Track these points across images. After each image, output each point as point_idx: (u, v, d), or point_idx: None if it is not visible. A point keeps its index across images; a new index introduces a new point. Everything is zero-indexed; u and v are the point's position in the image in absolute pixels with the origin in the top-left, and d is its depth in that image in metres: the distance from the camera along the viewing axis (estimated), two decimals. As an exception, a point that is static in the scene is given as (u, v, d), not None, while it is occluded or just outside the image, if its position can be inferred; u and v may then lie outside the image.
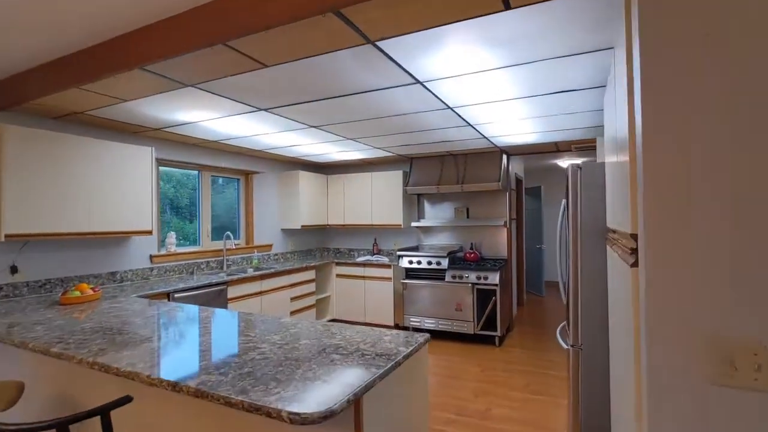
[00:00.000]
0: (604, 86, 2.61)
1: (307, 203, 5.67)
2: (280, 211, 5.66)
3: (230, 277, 4.03)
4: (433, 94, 2.74)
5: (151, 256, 3.93)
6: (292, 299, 4.86)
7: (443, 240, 5.65)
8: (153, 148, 3.61)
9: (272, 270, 4.59)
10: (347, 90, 2.66)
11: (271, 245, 5.44)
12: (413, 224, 5.62)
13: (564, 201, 2.88)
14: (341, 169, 6.43)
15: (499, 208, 5.29)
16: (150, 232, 3.59)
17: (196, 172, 4.70)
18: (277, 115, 3.20)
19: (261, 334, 2.00)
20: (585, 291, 2.47)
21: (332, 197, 6.05)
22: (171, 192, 4.47)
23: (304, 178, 5.63)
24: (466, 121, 3.50)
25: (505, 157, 5.05)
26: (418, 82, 2.50)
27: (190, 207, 4.67)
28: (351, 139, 4.22)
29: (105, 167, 3.25)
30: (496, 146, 4.74)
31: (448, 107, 3.06)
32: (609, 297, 2.33)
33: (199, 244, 4.71)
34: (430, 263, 4.94)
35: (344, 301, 5.58)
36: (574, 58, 2.18)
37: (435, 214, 5.69)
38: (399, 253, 5.17)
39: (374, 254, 5.91)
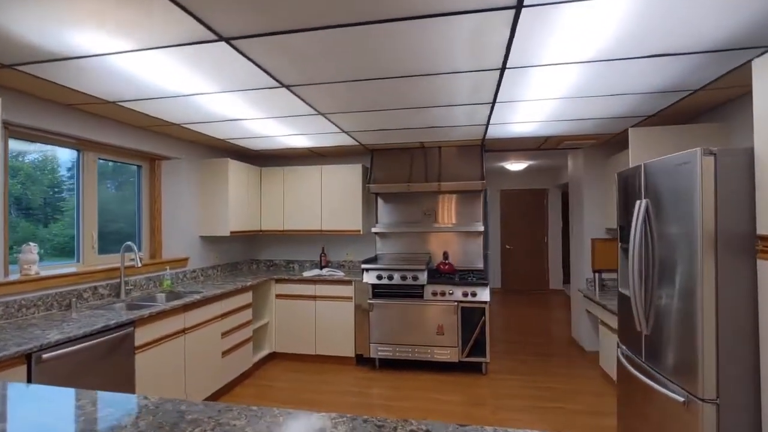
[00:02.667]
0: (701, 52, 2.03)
1: (238, 203, 4.31)
2: (201, 212, 4.20)
3: (138, 313, 2.60)
4: (505, 44, 1.87)
5: (-11, 286, 2.32)
6: (224, 334, 3.51)
7: (405, 248, 4.79)
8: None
9: (198, 296, 3.21)
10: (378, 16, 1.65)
11: (187, 259, 3.96)
12: (374, 230, 4.65)
13: (643, 202, 2.25)
14: (280, 161, 5.16)
15: (474, 212, 4.62)
16: (-11, 246, 2.04)
17: (72, 152, 3.09)
18: (239, 53, 1.99)
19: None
20: (724, 323, 1.82)
21: (268, 196, 4.76)
22: (18, 190, 2.79)
23: (235, 169, 4.27)
24: (494, 96, 2.70)
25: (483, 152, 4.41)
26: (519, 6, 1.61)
27: (46, 207, 3.02)
28: (321, 114, 3.11)
29: None
30: (478, 138, 4.05)
31: (501, 68, 2.22)
32: (761, 331, 1.71)
33: (78, 261, 3.11)
34: (404, 278, 4.03)
35: (287, 329, 4.35)
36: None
37: (397, 218, 4.80)
38: (364, 266, 4.16)
39: (322, 267, 4.79)
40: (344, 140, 4.04)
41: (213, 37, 1.80)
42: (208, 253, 4.33)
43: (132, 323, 2.53)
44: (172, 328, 2.88)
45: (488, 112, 3.06)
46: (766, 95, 1.72)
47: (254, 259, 5.19)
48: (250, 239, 5.18)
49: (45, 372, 2.01)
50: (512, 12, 1.63)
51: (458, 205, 4.66)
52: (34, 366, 1.96)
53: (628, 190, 2.51)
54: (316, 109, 2.96)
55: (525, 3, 1.55)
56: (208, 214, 4.17)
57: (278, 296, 4.37)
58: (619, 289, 2.68)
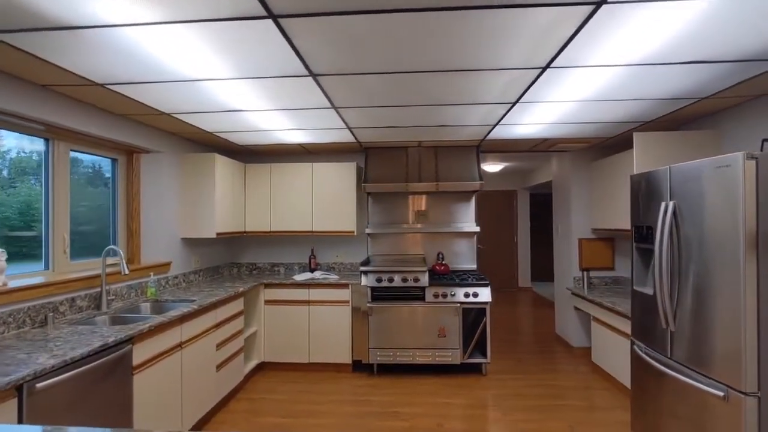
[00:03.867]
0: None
1: (225, 202, 3.98)
2: (183, 212, 3.82)
3: (136, 328, 2.27)
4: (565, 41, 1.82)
5: (-48, 301, 1.91)
6: (219, 346, 3.20)
7: (397, 249, 4.69)
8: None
9: (194, 306, 2.89)
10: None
11: (169, 264, 3.58)
12: (367, 231, 4.50)
13: (670, 204, 2.31)
14: (266, 157, 4.84)
15: (467, 212, 4.62)
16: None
17: (39, 141, 2.66)
18: (282, 33, 1.78)
19: None
20: (764, 319, 1.90)
21: (253, 194, 4.44)
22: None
23: (222, 165, 3.93)
24: (519, 97, 2.68)
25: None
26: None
27: None
28: (333, 108, 2.92)
29: None
30: (477, 139, 4.04)
31: (543, 68, 2.18)
32: (803, 326, 1.79)
33: (47, 268, 2.68)
34: (405, 280, 3.92)
35: (278, 337, 4.08)
36: None
37: (389, 219, 4.68)
38: (362, 268, 3.99)
39: (312, 270, 4.55)
40: (343, 137, 3.86)
41: (263, 13, 1.59)
42: (189, 257, 3.95)
43: (130, 340, 2.21)
44: (169, 342, 2.56)
45: (504, 112, 3.03)
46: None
47: (235, 262, 4.83)
48: (230, 241, 4.82)
49: (38, 405, 1.67)
50: (591, 8, 1.58)
51: (451, 205, 4.63)
52: (26, 399, 1.62)
53: (648, 192, 2.58)
54: (331, 103, 2.77)
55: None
56: (191, 214, 3.80)
57: (268, 302, 4.09)
58: (635, 288, 2.75)
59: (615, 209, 3.95)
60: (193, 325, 2.83)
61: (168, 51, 1.92)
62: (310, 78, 2.31)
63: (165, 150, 3.56)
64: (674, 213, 2.32)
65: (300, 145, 4.24)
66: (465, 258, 4.62)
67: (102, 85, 2.38)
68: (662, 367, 2.41)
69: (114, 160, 3.29)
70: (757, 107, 2.77)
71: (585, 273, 4.33)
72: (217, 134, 3.71)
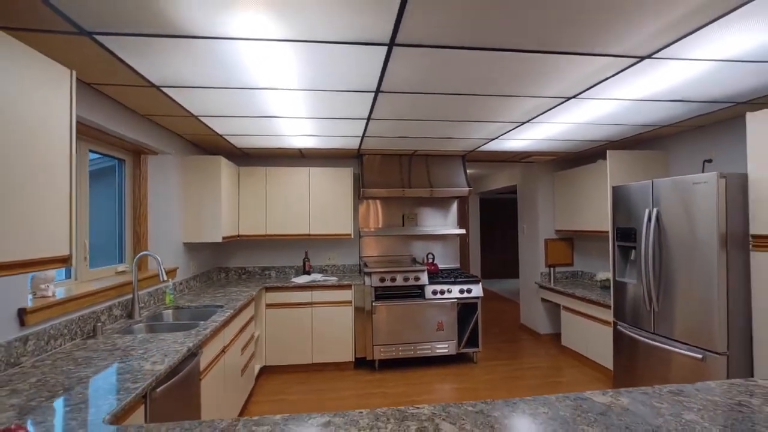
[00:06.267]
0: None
1: (228, 205, 3.91)
2: (187, 216, 3.69)
3: (202, 334, 2.26)
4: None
5: (21, 313, 1.78)
6: (242, 350, 3.20)
7: (388, 251, 4.95)
8: (73, 72, 1.63)
9: (230, 311, 2.88)
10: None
11: (175, 269, 3.44)
12: (362, 233, 4.69)
13: (653, 210, 2.91)
14: (261, 160, 4.78)
15: (453, 216, 5.03)
16: (66, 260, 1.61)
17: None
18: (387, 58, 1.98)
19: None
20: (731, 297, 2.52)
21: (247, 197, 4.39)
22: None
23: (226, 168, 3.86)
24: (533, 117, 3.11)
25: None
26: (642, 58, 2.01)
27: None
28: (365, 119, 3.11)
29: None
30: (468, 150, 4.46)
31: (569, 98, 2.62)
32: (753, 302, 2.44)
33: (70, 276, 2.51)
34: (407, 279, 4.20)
35: (280, 341, 4.10)
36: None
37: (380, 222, 4.92)
38: (366, 269, 4.18)
39: (307, 272, 4.62)
40: (348, 143, 4.02)
41: (386, 41, 1.78)
42: (188, 262, 3.81)
43: (199, 347, 2.20)
44: (218, 347, 2.55)
45: (510, 129, 3.46)
46: (756, 137, 2.46)
47: (223, 267, 4.70)
48: (218, 246, 4.68)
49: (157, 410, 1.68)
50: (635, 60, 2.03)
51: (439, 209, 5.00)
52: (150, 405, 1.62)
53: (630, 200, 3.18)
54: (370, 116, 2.97)
55: (650, 55, 1.97)
56: (195, 218, 3.69)
57: (269, 306, 4.09)
58: (618, 279, 3.34)
59: (577, 213, 4.63)
60: (228, 330, 2.82)
61: (259, 62, 2.00)
62: (372, 94, 2.50)
63: (171, 152, 3.43)
64: (657, 218, 2.91)
65: (300, 149, 4.30)
66: (450, 258, 5.03)
67: (158, 87, 2.32)
68: (648, 341, 3.00)
69: (121, 161, 3.11)
70: (698, 135, 3.54)
71: (551, 269, 4.98)
72: (225, 137, 3.65)
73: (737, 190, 2.55)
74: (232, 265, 4.72)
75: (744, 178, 2.55)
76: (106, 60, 1.92)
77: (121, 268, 3.00)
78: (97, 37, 1.70)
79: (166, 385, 1.73)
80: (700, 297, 2.62)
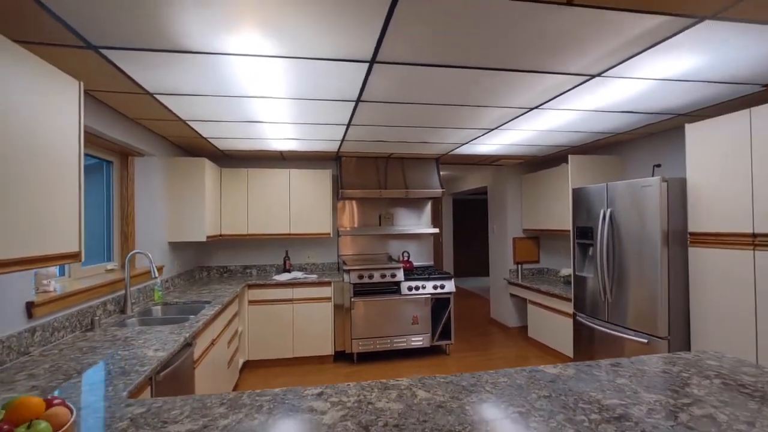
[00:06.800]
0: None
1: (212, 206, 4.03)
2: (172, 216, 3.79)
3: (195, 326, 2.41)
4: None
5: (29, 307, 1.90)
6: (229, 344, 3.34)
7: (365, 249, 5.16)
8: (81, 83, 1.77)
9: (218, 306, 3.02)
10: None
11: (162, 267, 3.54)
12: (340, 233, 4.88)
13: (607, 210, 3.24)
14: (242, 162, 4.89)
15: (427, 216, 5.28)
16: (76, 256, 1.75)
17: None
18: (369, 73, 2.19)
19: None
20: (672, 287, 2.86)
21: (229, 198, 4.50)
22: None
23: (210, 169, 3.98)
24: (501, 125, 3.39)
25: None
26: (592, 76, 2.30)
27: None
28: (344, 125, 3.31)
29: None
30: (440, 153, 4.73)
31: (532, 108, 2.90)
32: (690, 293, 2.79)
33: (64, 274, 2.60)
34: (383, 276, 4.42)
35: (262, 335, 4.24)
36: None
37: (358, 222, 5.12)
38: (345, 267, 4.38)
39: (287, 270, 4.77)
40: (328, 146, 4.21)
41: (368, 58, 1.99)
42: (173, 261, 3.90)
43: (194, 337, 2.36)
44: (208, 340, 2.70)
45: (480, 135, 3.74)
46: (693, 146, 2.81)
47: (204, 266, 4.79)
48: (200, 245, 4.76)
49: (160, 393, 1.83)
50: (587, 78, 2.32)
51: (414, 209, 5.25)
52: (155, 387, 1.78)
53: (589, 201, 3.51)
54: (350, 121, 3.17)
55: (599, 74, 2.26)
56: (180, 218, 3.79)
57: (252, 302, 4.22)
58: (577, 273, 3.67)
59: (543, 213, 4.97)
60: (217, 324, 2.96)
61: (251, 74, 2.17)
62: (353, 102, 2.71)
63: (156, 153, 3.53)
64: (611, 217, 3.24)
65: (281, 152, 4.46)
66: (425, 256, 5.28)
67: (152, 95, 2.45)
68: (602, 328, 3.33)
69: (109, 163, 3.20)
70: (649, 142, 3.91)
71: (519, 266, 5.31)
72: (210, 140, 3.78)
73: (678, 193, 2.89)
74: (213, 264, 4.83)
75: (684, 183, 2.90)
76: (106, 70, 2.05)
77: (109, 266, 3.10)
78: (102, 50, 1.84)
79: (167, 370, 1.89)
80: (646, 288, 2.96)
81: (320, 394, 1.41)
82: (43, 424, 1.06)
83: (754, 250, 2.39)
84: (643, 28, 1.73)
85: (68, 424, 1.11)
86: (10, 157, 1.34)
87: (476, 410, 1.27)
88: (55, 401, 1.16)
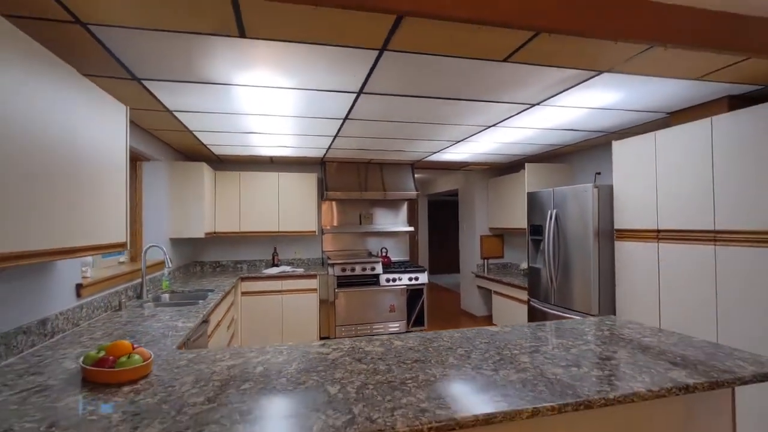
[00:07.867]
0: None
1: (209, 205, 4.45)
2: (173, 215, 4.19)
3: (209, 306, 2.87)
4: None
5: (78, 288, 2.32)
6: (228, 328, 3.78)
7: (347, 246, 5.66)
8: (128, 108, 2.22)
9: (221, 293, 3.48)
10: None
11: (162, 262, 3.95)
12: (325, 231, 5.37)
13: (554, 211, 3.87)
14: (235, 165, 5.31)
15: (403, 216, 5.83)
16: (123, 245, 2.19)
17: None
18: (365, 94, 2.72)
19: (536, 342, 1.94)
20: (601, 275, 3.50)
21: (223, 198, 4.93)
22: None
23: (207, 172, 4.40)
24: (463, 139, 3.97)
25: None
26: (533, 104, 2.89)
27: None
28: (336, 137, 3.82)
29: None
30: (414, 160, 5.29)
31: (490, 126, 3.48)
32: (616, 279, 3.44)
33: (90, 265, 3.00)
34: (364, 269, 4.94)
35: (254, 324, 4.69)
36: None
37: (340, 221, 5.63)
38: (330, 262, 4.88)
39: (275, 265, 5.22)
40: (314, 153, 4.69)
41: (356, 90, 2.52)
42: (173, 256, 4.30)
43: (209, 314, 2.81)
44: (215, 321, 3.15)
45: (447, 146, 4.31)
46: (618, 159, 3.45)
47: (198, 261, 5.18)
48: (194, 242, 5.16)
49: (187, 355, 2.29)
50: (527, 106, 2.91)
51: (391, 210, 5.79)
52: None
53: (540, 203, 4.13)
54: (338, 134, 3.67)
55: (539, 103, 2.86)
56: (181, 217, 4.20)
57: (245, 293, 4.66)
58: (531, 265, 4.30)
59: (506, 213, 5.61)
60: (220, 309, 3.41)
61: (258, 99, 2.66)
62: (341, 120, 3.21)
63: (161, 158, 3.93)
64: (556, 217, 3.87)
65: (271, 157, 4.91)
66: (401, 251, 5.83)
67: (171, 111, 2.90)
68: (550, 311, 3.95)
69: (121, 167, 3.59)
70: (592, 153, 4.58)
71: (485, 261, 5.93)
72: (209, 146, 4.20)
73: (607, 197, 3.54)
74: (207, 259, 5.23)
75: (611, 189, 3.55)
76: (143, 96, 2.50)
77: (121, 258, 3.50)
78: (143, 81, 2.29)
79: (192, 338, 2.35)
80: (582, 275, 3.59)
81: (324, 344, 1.92)
82: (137, 356, 1.54)
83: (657, 242, 3.04)
84: (564, 76, 2.32)
85: (151, 357, 1.58)
86: (81, 168, 1.79)
87: (436, 350, 1.81)
88: (136, 346, 1.63)
